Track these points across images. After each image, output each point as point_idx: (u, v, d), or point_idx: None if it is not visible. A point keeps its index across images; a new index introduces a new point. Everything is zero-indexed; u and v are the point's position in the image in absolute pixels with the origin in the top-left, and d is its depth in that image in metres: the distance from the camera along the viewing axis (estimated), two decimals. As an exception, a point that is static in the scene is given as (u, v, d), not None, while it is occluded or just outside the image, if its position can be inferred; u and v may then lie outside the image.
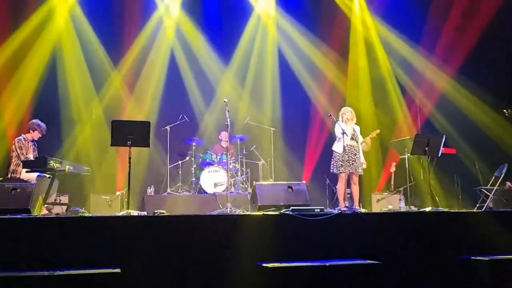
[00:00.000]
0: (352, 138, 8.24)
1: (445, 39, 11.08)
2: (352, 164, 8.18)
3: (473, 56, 10.65)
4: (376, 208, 9.49)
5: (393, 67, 11.63)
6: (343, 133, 7.92)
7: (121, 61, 10.96)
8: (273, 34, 11.88)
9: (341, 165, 8.15)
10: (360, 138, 8.44)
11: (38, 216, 5.94)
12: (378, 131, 8.64)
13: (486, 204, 8.82)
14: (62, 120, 10.37)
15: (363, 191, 9.72)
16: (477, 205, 9.11)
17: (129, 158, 6.73)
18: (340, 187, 8.29)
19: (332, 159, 8.37)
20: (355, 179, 8.31)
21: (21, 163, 7.76)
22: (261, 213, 6.09)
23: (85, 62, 10.72)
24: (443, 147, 7.99)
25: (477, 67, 10.54)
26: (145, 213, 7.19)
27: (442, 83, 11.18)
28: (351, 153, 8.19)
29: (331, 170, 8.40)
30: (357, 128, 8.49)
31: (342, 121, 8.35)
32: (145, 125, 6.88)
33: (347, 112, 8.46)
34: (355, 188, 8.33)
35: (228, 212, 7.43)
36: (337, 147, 8.28)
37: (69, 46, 10.63)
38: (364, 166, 8.62)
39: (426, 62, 11.27)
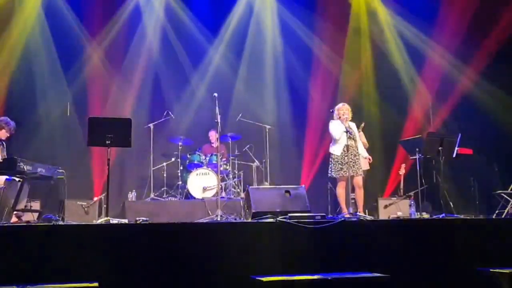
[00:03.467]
0: (351, 138, 8.18)
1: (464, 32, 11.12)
2: (353, 166, 8.08)
3: (496, 52, 10.70)
4: (384, 214, 9.51)
5: (401, 56, 11.67)
6: (347, 131, 7.92)
7: (98, 50, 10.98)
8: (269, 23, 11.89)
9: (341, 168, 8.13)
10: (357, 136, 8.44)
11: (6, 224, 5.92)
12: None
13: (506, 210, 8.87)
14: (33, 118, 10.35)
15: (369, 196, 9.71)
16: (496, 211, 9.15)
17: (108, 159, 6.71)
18: (341, 192, 8.27)
19: (330, 162, 8.34)
20: (359, 182, 8.26)
21: (-13, 165, 7.73)
22: (255, 220, 6.09)
23: (57, 54, 10.73)
24: (458, 147, 8.01)
25: (500, 63, 10.61)
26: (126, 220, 7.17)
27: (459, 79, 11.22)
28: (352, 154, 8.11)
29: (329, 174, 8.35)
30: (353, 126, 8.42)
31: (339, 120, 8.25)
32: (126, 122, 6.86)
33: (345, 110, 8.30)
34: (360, 192, 8.29)
35: (219, 219, 7.43)
36: (336, 149, 8.27)
37: (40, 36, 10.66)
38: (370, 160, 8.63)
39: (443, 55, 11.31)
